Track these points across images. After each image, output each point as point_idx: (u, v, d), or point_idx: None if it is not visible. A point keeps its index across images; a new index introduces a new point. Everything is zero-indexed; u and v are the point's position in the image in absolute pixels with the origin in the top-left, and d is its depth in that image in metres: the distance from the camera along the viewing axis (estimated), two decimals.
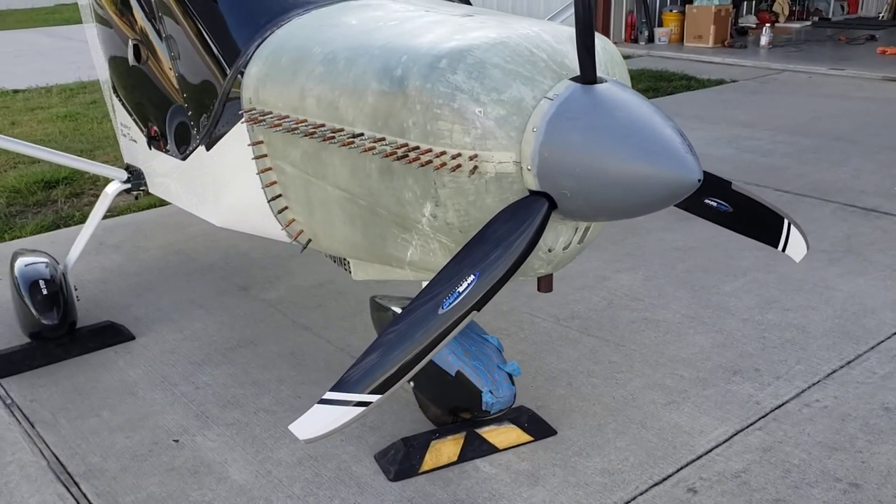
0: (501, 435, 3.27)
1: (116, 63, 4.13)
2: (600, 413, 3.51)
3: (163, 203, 6.39)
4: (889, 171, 6.72)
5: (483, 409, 3.07)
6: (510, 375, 3.10)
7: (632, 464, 3.17)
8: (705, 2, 13.99)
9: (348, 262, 3.22)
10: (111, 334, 4.24)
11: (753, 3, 16.44)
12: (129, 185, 4.32)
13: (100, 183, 7.09)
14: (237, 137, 3.14)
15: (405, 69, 2.42)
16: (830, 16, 17.17)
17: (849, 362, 3.83)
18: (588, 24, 2.15)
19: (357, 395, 2.18)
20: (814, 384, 3.66)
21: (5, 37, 20.14)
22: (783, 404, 3.52)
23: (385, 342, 2.22)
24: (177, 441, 3.40)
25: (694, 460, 3.18)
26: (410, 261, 2.74)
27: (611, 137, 2.10)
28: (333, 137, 2.64)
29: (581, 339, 4.12)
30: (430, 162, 2.36)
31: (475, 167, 2.31)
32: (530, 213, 2.25)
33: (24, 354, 4.01)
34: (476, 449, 3.22)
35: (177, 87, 3.51)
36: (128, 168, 4.41)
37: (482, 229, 2.29)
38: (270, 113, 2.88)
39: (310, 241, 3.09)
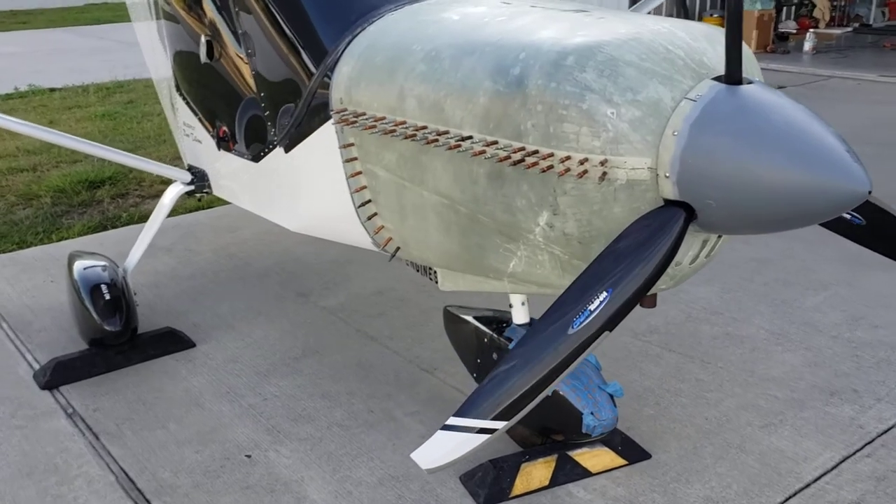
0: (594, 458, 3.08)
1: (183, 60, 3.99)
2: (694, 435, 3.31)
3: (212, 204, 6.27)
4: None
5: (583, 431, 2.89)
6: (611, 396, 2.92)
7: (735, 491, 2.97)
8: (748, 6, 13.72)
9: (435, 272, 3.05)
10: (171, 341, 4.09)
11: (793, 8, 16.15)
12: (192, 187, 4.18)
13: (145, 184, 6.98)
14: (322, 139, 2.98)
15: (525, 67, 2.24)
16: (871, 22, 16.82)
17: None
18: (738, 19, 1.97)
19: (481, 421, 2.01)
20: None
21: (37, 35, 20.20)
22: (890, 429, 3.31)
23: (510, 365, 2.05)
24: (249, 456, 3.24)
25: (803, 489, 2.98)
26: (512, 272, 2.56)
27: (768, 143, 1.91)
28: (437, 140, 2.47)
29: (663, 355, 3.92)
30: (551, 167, 2.19)
31: (604, 174, 2.13)
32: (667, 223, 2.06)
33: (83, 361, 3.87)
34: (568, 473, 3.03)
35: (253, 85, 3.35)
36: (190, 169, 4.26)
37: (614, 241, 2.10)
38: (364, 114, 2.72)
39: (398, 249, 2.93)
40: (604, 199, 2.17)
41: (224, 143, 3.76)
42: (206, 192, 4.21)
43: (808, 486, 3.00)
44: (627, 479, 3.06)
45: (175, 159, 5.24)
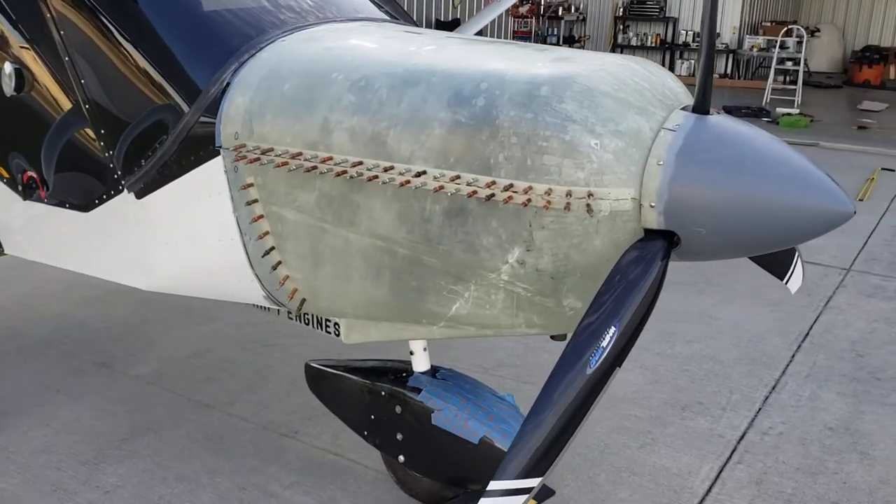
0: None
1: None
2: (584, 465, 3.33)
3: None
4: None
5: None
6: None
7: None
8: None
9: (336, 324, 2.78)
10: None
11: None
12: None
13: None
14: (200, 181, 2.59)
15: (490, 97, 2.12)
16: None
17: (773, 388, 4.02)
18: (712, 52, 2.03)
19: (518, 481, 1.84)
20: (758, 412, 3.78)
21: None
22: (744, 435, 3.59)
23: (537, 418, 1.90)
24: None
25: (700, 503, 3.11)
26: (453, 316, 2.39)
27: (758, 170, 1.97)
28: (377, 177, 2.25)
29: (521, 388, 3.89)
30: (529, 201, 2.08)
31: (588, 206, 2.06)
32: (654, 254, 2.04)
33: None
34: None
35: (86, 121, 2.82)
36: None
37: (609, 277, 2.03)
38: (272, 150, 2.40)
39: (304, 301, 2.61)
40: (585, 232, 2.09)
41: (31, 190, 3.12)
42: None
43: (703, 499, 3.14)
44: None
45: None
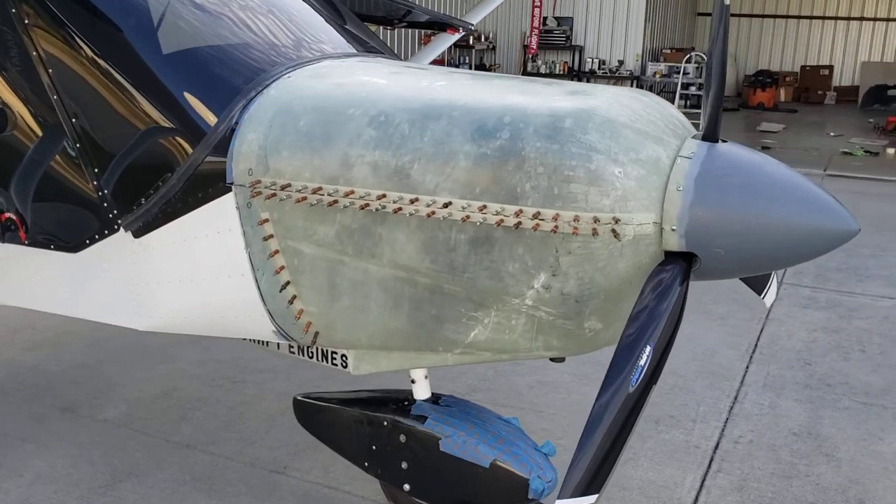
0: None
1: None
2: None
3: None
4: None
5: (530, 497, 2.81)
6: (546, 456, 2.90)
7: None
8: None
9: (343, 356, 2.80)
10: None
11: None
12: None
13: None
14: (208, 218, 2.58)
15: (515, 130, 2.20)
16: None
17: (735, 399, 4.22)
18: (723, 83, 2.18)
19: (577, 499, 1.91)
20: (726, 422, 3.96)
21: None
22: (717, 445, 3.75)
23: (590, 437, 1.98)
24: None
25: None
26: (471, 342, 2.46)
27: (772, 194, 2.11)
28: (402, 209, 2.30)
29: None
30: (557, 228, 2.17)
31: (614, 231, 2.17)
32: (676, 274, 2.16)
33: None
34: None
35: (79, 160, 2.75)
36: None
37: (640, 299, 2.14)
38: (289, 185, 2.42)
39: (317, 334, 2.62)
40: (610, 256, 2.20)
41: (9, 232, 3.02)
42: None
43: None
44: None
45: None
